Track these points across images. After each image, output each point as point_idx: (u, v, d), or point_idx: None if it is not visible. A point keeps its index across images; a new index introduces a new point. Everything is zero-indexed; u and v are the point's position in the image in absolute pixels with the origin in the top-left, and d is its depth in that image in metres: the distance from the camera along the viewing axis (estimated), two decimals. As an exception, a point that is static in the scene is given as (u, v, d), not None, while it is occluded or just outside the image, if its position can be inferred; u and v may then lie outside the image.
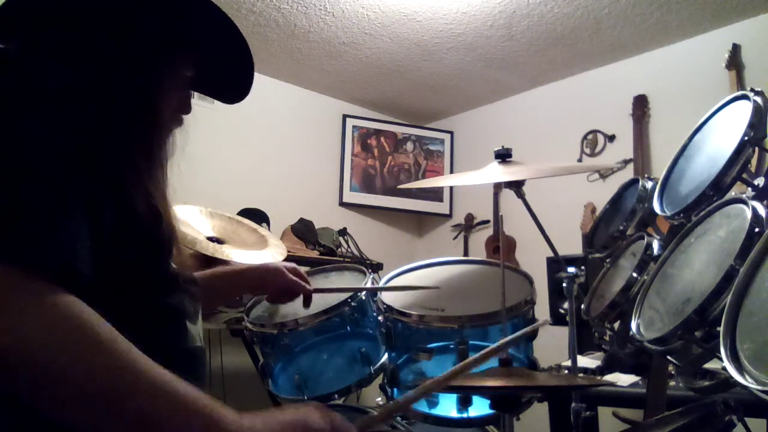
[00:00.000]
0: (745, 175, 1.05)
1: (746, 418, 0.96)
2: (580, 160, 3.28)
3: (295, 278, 1.34)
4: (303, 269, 1.42)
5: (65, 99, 0.71)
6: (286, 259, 1.90)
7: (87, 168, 0.68)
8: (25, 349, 0.57)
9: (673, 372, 1.36)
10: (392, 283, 1.48)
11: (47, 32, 0.78)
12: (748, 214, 0.90)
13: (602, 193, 2.81)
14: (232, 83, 0.98)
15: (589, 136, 3.28)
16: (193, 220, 1.88)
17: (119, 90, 0.76)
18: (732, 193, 1.03)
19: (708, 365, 1.02)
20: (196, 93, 0.96)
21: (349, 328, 1.46)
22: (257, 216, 2.77)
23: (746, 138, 1.03)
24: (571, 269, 1.32)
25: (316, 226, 3.16)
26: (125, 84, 0.77)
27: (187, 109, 0.92)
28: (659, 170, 1.59)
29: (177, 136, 0.91)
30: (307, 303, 1.39)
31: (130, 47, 0.78)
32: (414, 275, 1.53)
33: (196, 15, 0.84)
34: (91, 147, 0.70)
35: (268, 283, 1.34)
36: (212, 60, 0.91)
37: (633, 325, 1.07)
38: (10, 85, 0.71)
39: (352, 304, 1.44)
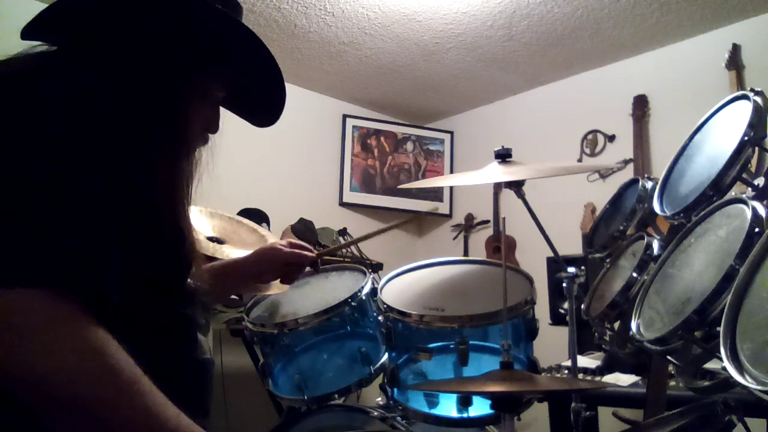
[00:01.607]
0: (745, 175, 1.05)
1: (746, 418, 0.97)
2: (580, 160, 3.28)
3: (293, 250, 1.33)
4: (305, 270, 1.42)
5: (94, 118, 0.69)
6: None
7: (119, 189, 0.68)
8: (52, 380, 0.58)
9: (673, 372, 1.36)
10: (391, 284, 1.48)
11: (77, 47, 0.76)
12: (748, 214, 0.90)
13: (602, 193, 2.81)
14: (262, 106, 0.98)
15: (589, 136, 3.28)
16: (193, 220, 1.88)
17: (148, 109, 0.75)
18: (732, 193, 1.03)
19: (708, 365, 1.01)
20: None
21: (349, 328, 1.46)
22: (257, 216, 2.77)
23: (746, 138, 1.02)
24: (571, 269, 1.32)
25: (316, 226, 3.16)
26: (154, 103, 0.76)
27: (215, 128, 0.91)
28: (659, 170, 1.59)
29: (202, 154, 0.90)
30: (315, 268, 1.41)
31: (161, 66, 0.77)
32: (414, 275, 1.52)
33: (228, 36, 0.83)
34: (121, 167, 0.69)
35: (266, 264, 1.32)
36: (243, 81, 0.90)
37: (633, 325, 1.07)
38: (27, 99, 0.68)
39: (353, 304, 1.43)
